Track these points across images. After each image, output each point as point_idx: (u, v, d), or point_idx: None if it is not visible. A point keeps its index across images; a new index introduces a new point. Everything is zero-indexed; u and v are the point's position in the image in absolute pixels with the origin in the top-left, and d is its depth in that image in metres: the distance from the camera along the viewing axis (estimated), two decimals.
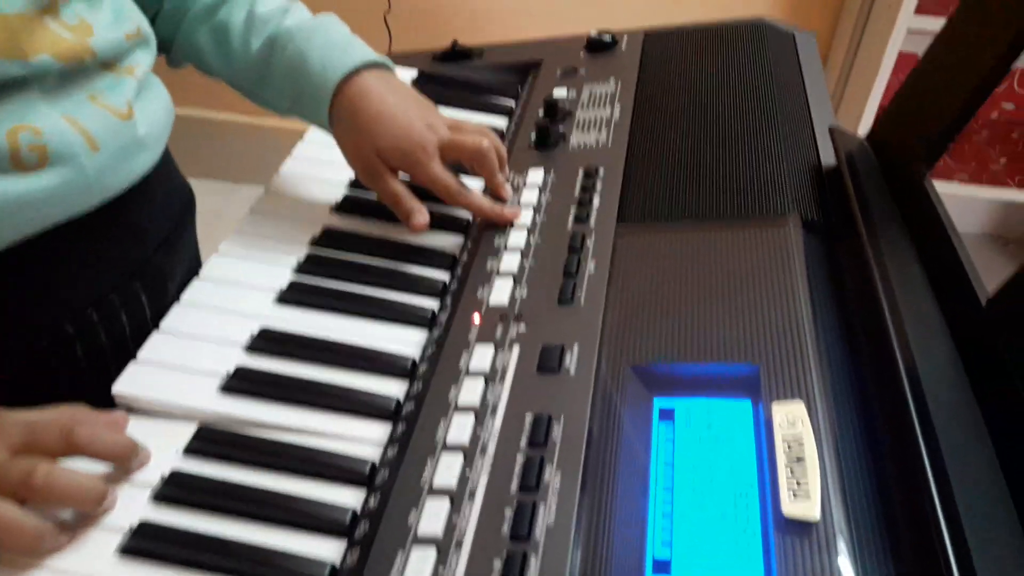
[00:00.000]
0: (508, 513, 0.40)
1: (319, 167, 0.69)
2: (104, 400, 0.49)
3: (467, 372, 0.48)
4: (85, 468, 0.43)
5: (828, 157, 0.63)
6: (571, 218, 0.59)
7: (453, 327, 0.52)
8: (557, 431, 0.43)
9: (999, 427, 0.40)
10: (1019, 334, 0.40)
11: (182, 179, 0.66)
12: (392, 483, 0.43)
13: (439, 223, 0.62)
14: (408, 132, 0.59)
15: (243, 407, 0.48)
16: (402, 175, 0.60)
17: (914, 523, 0.37)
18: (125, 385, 0.49)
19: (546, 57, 0.83)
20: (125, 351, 0.51)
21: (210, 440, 0.46)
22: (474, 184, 0.63)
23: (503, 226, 0.60)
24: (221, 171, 2.05)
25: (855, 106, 1.70)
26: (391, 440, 0.46)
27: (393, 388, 0.50)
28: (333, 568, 0.40)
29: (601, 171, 0.63)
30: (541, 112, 0.72)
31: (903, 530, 0.38)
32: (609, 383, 0.46)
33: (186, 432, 0.47)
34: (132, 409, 0.49)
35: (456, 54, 0.86)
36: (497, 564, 0.37)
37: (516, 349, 0.49)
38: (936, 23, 1.49)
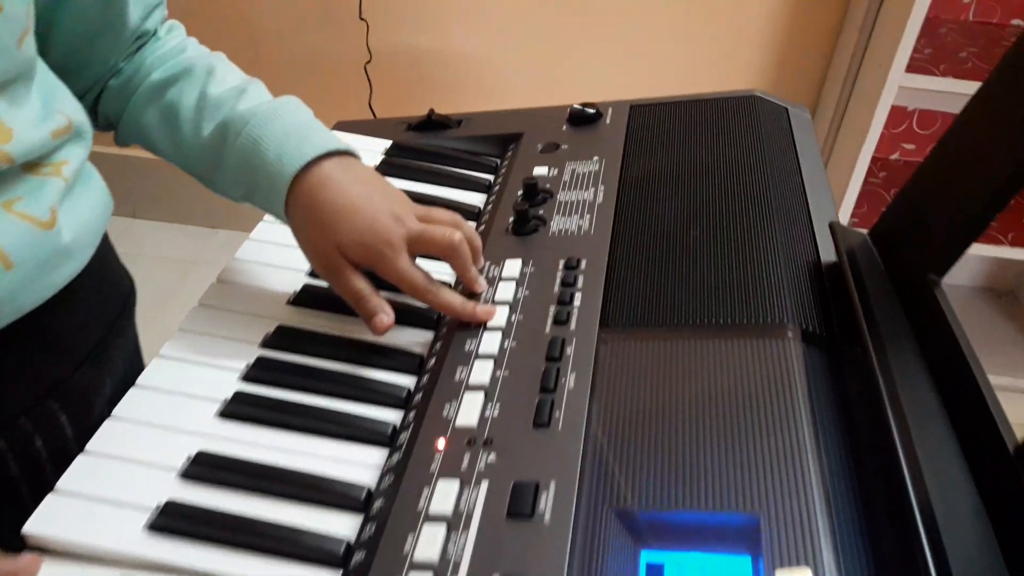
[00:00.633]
0: None
1: (279, 252, 0.63)
2: (16, 540, 0.42)
3: (427, 516, 0.42)
4: None
5: (827, 252, 0.58)
6: (550, 319, 0.54)
7: (415, 452, 0.46)
8: None
9: None
10: None
11: (119, 274, 0.60)
12: None
13: (407, 318, 0.57)
14: (372, 225, 0.53)
15: (171, 550, 0.42)
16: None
17: None
18: (38, 524, 0.43)
19: (527, 130, 0.79)
20: (42, 481, 0.45)
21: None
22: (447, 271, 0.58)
23: (476, 325, 0.55)
24: (197, 216, 2.00)
25: (840, 178, 1.68)
26: None
27: (343, 526, 0.44)
28: None
29: (583, 264, 0.58)
30: (520, 193, 0.67)
31: None
32: (590, 532, 0.40)
33: None
34: (47, 551, 0.43)
35: (432, 123, 0.81)
36: None
37: (484, 485, 0.43)
38: (927, 82, 1.48)
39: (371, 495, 0.45)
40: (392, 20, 1.59)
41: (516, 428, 0.46)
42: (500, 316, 0.55)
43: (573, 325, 0.53)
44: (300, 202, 0.54)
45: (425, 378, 0.52)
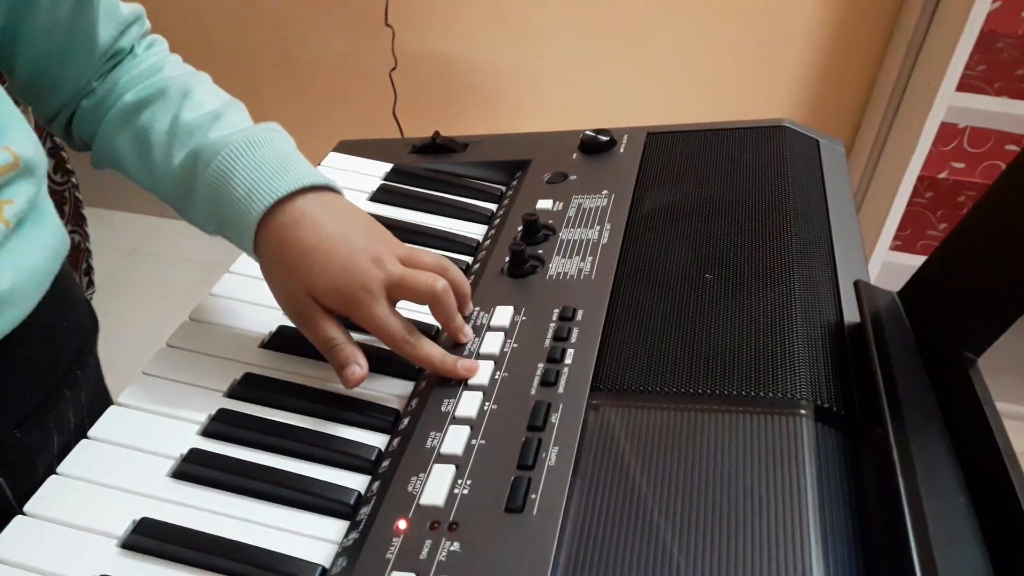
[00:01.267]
0: None
1: (259, 287, 0.59)
2: None
3: None
4: None
5: (852, 311, 0.53)
6: (537, 379, 0.49)
7: (372, 534, 0.41)
8: None
9: None
10: None
11: (75, 318, 0.56)
12: None
13: (386, 366, 0.53)
14: (348, 268, 0.49)
15: None
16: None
17: None
18: None
19: (536, 156, 0.74)
20: None
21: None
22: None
23: (457, 381, 0.50)
24: None
25: (883, 198, 1.60)
26: None
27: None
28: None
29: (579, 315, 0.53)
30: (519, 229, 0.63)
31: None
32: None
33: None
34: None
35: (437, 147, 0.77)
36: None
37: None
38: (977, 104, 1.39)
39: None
40: (418, 27, 1.55)
41: (486, 511, 0.42)
42: (483, 373, 0.50)
43: (562, 387, 0.48)
44: (270, 242, 0.50)
45: (396, 441, 0.48)
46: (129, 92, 0.54)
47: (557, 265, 0.59)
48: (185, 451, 0.47)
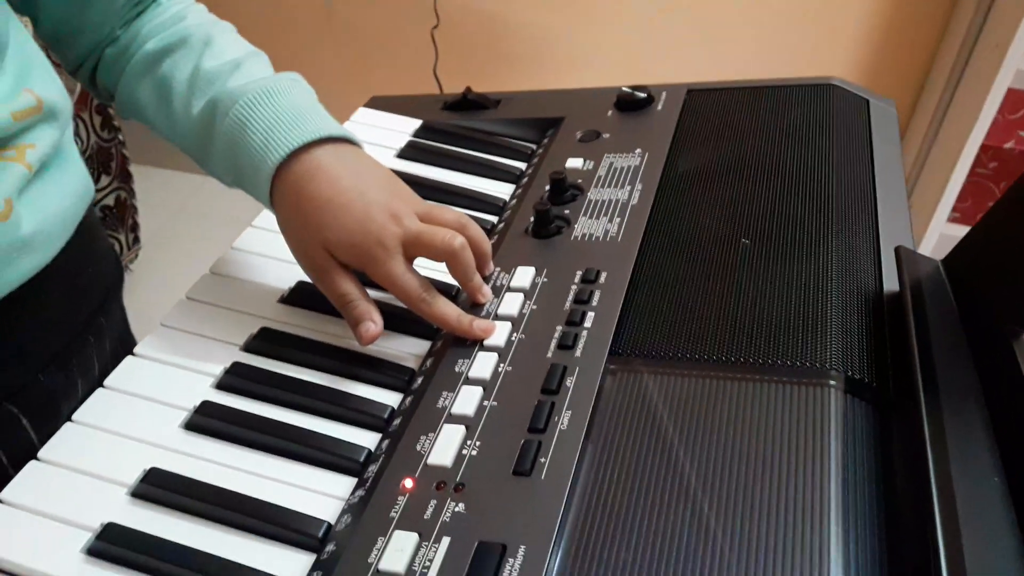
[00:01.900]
0: None
1: (281, 242, 0.59)
2: None
3: (376, 573, 0.37)
4: None
5: (892, 279, 0.50)
6: (554, 342, 0.47)
7: (378, 491, 0.41)
8: None
9: None
10: None
11: (100, 265, 0.56)
12: None
13: (403, 325, 0.52)
14: (364, 223, 0.48)
15: None
16: None
17: None
18: None
19: (569, 113, 0.71)
20: (4, 483, 0.42)
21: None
22: None
23: (473, 341, 0.49)
24: None
25: (943, 167, 1.53)
26: None
27: (292, 568, 0.39)
28: None
29: (603, 277, 0.52)
30: (546, 189, 0.61)
31: None
32: None
33: None
34: None
35: (468, 103, 0.75)
36: None
37: (445, 543, 0.37)
38: None
39: (328, 533, 0.41)
40: None
41: (493, 473, 0.40)
42: (500, 334, 0.49)
43: (579, 351, 0.46)
44: (286, 193, 0.49)
45: (408, 400, 0.47)
46: (151, 40, 0.54)
47: (583, 226, 0.57)
48: (198, 403, 0.47)
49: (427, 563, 0.37)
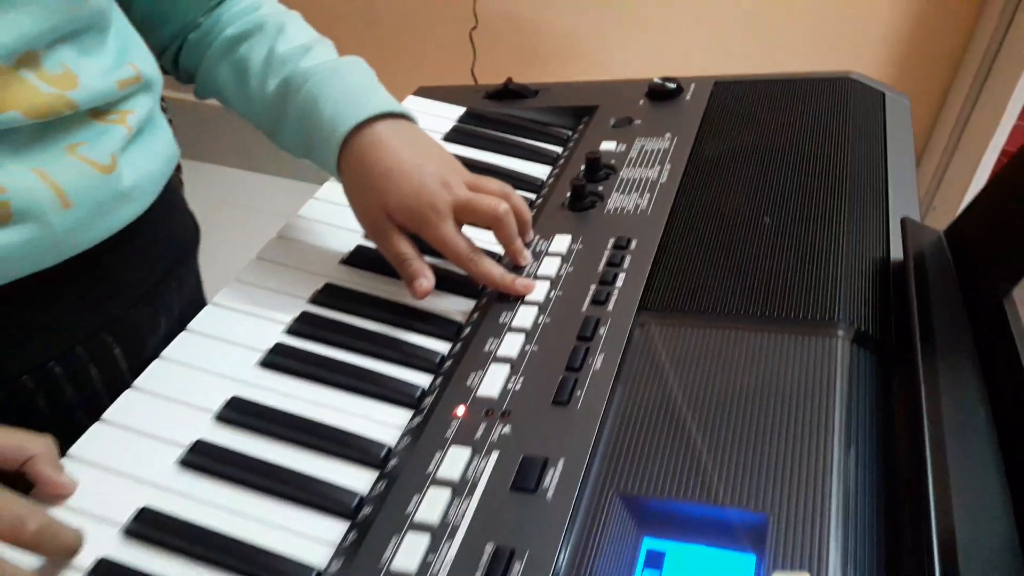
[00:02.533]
0: None
1: (340, 212, 0.65)
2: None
3: (434, 480, 0.42)
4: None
5: (898, 251, 0.54)
6: (588, 298, 0.53)
7: (433, 417, 0.46)
8: (517, 569, 0.37)
9: None
10: None
11: (183, 223, 0.63)
12: None
13: (451, 286, 0.57)
14: (419, 190, 0.54)
15: (199, 486, 0.45)
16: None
17: None
18: (82, 448, 0.46)
19: (603, 102, 0.77)
20: (97, 408, 0.48)
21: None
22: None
23: (515, 298, 0.54)
24: (310, 173, 2.07)
25: (964, 172, 1.56)
26: (338, 551, 0.41)
27: (359, 481, 0.45)
28: None
29: (633, 244, 0.57)
30: (582, 168, 0.66)
31: None
32: (592, 513, 0.39)
33: (127, 511, 0.43)
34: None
35: (509, 92, 0.81)
36: None
37: (494, 456, 0.43)
38: None
39: (390, 453, 0.46)
40: None
41: (535, 403, 0.46)
42: (539, 291, 0.54)
43: (611, 306, 0.52)
44: (351, 162, 0.55)
45: (458, 346, 0.53)
46: (230, 27, 0.60)
47: (616, 200, 0.62)
48: (272, 345, 0.53)
49: (479, 472, 0.42)
